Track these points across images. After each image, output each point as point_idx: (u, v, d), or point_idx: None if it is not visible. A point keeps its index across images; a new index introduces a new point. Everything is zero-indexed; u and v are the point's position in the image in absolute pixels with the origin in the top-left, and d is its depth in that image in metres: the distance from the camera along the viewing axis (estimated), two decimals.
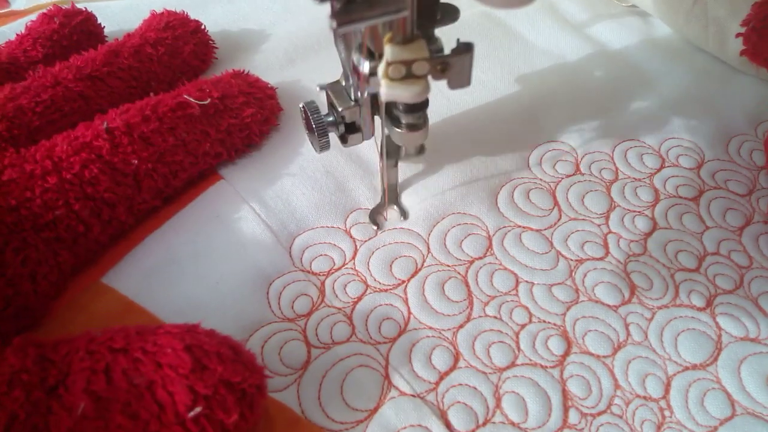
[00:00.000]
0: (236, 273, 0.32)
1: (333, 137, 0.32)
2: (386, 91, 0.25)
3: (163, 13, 0.41)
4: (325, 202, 0.35)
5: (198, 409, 0.21)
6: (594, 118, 0.40)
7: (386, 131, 0.32)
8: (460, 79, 0.27)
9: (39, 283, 0.29)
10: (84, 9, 0.42)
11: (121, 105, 0.33)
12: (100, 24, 0.43)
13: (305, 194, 0.35)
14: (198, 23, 0.42)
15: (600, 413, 0.27)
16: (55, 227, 0.29)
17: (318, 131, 0.31)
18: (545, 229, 0.34)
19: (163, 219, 0.34)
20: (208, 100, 0.34)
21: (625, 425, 0.27)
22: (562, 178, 0.36)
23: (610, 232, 0.34)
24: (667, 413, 0.27)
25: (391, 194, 0.34)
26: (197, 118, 0.34)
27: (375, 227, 0.34)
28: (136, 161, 0.31)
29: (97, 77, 0.36)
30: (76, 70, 0.35)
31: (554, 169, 0.37)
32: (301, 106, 0.32)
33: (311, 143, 0.33)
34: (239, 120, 0.36)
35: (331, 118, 0.32)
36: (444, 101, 0.41)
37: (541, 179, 0.36)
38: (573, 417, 0.27)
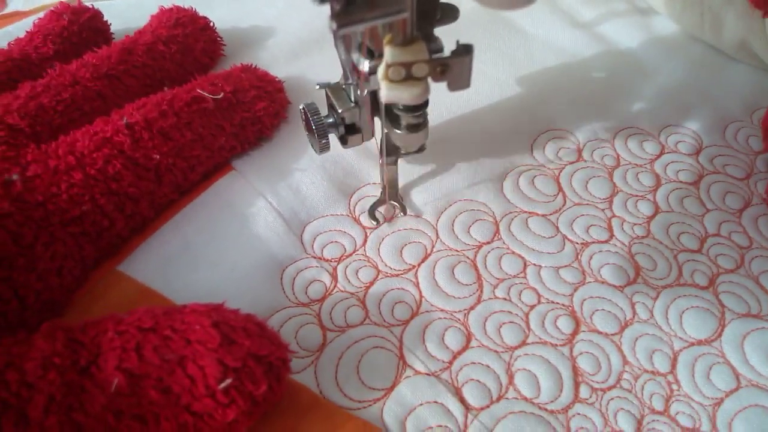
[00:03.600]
0: (250, 260, 0.32)
1: (333, 138, 0.33)
2: (386, 92, 0.25)
3: (172, 9, 0.42)
4: (335, 191, 0.36)
5: (228, 381, 0.22)
6: (594, 106, 0.41)
7: (385, 130, 0.32)
8: (460, 81, 0.27)
9: (65, 276, 0.29)
10: (91, 6, 0.42)
11: (136, 100, 0.34)
12: (106, 21, 0.43)
13: (314, 183, 0.36)
14: (207, 20, 0.43)
15: (610, 388, 0.28)
16: (82, 222, 0.29)
17: (318, 132, 0.31)
18: (551, 214, 0.35)
19: (177, 209, 0.34)
20: (221, 94, 0.35)
21: (634, 399, 0.27)
22: (566, 165, 0.37)
23: (614, 216, 0.34)
24: (674, 387, 0.28)
25: (392, 190, 0.35)
26: (212, 112, 0.34)
27: (374, 223, 0.34)
28: (157, 156, 0.32)
29: (113, 76, 0.36)
30: (93, 69, 0.35)
31: (557, 156, 0.38)
32: (301, 107, 0.32)
33: (311, 144, 0.33)
34: (252, 113, 0.36)
35: (331, 120, 0.32)
36: (446, 93, 0.41)
37: (545, 166, 0.37)
38: (584, 392, 0.28)
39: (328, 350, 0.29)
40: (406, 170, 0.37)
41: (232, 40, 0.46)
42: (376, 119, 0.32)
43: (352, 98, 0.31)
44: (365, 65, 0.27)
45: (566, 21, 0.48)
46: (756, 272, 0.32)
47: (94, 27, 0.42)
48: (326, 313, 0.31)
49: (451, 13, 0.30)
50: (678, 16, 0.45)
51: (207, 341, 0.23)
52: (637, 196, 0.35)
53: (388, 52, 0.24)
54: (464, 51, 0.26)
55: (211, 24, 0.43)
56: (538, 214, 0.35)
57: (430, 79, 0.26)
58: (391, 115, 0.31)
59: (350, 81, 0.31)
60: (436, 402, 0.27)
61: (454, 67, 0.26)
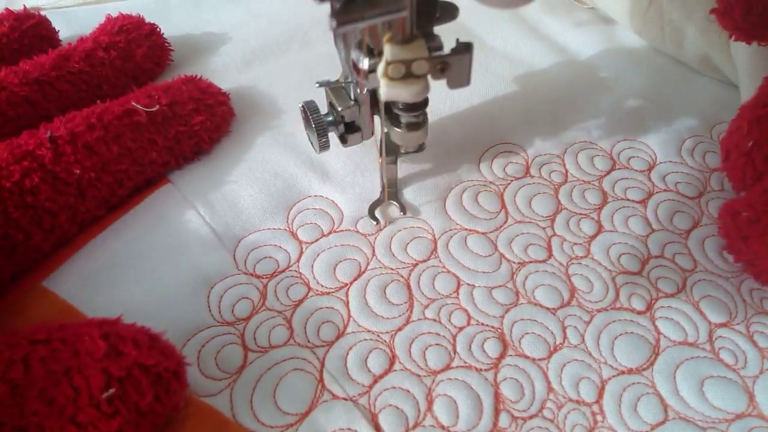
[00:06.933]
0: (177, 277, 0.32)
1: (333, 137, 0.33)
2: (386, 90, 0.25)
3: (118, 17, 0.41)
4: (273, 204, 0.35)
5: (111, 391, 0.22)
6: (548, 120, 0.40)
7: (385, 129, 0.32)
8: (460, 79, 0.27)
9: None
10: (36, 13, 0.42)
11: (68, 112, 0.33)
12: (54, 28, 0.43)
13: (252, 196, 0.35)
14: (153, 26, 0.42)
15: (531, 417, 0.27)
16: None
17: (318, 131, 0.31)
18: (491, 232, 0.34)
19: (108, 222, 0.34)
20: (156, 107, 0.34)
21: (555, 429, 0.26)
22: (512, 181, 0.36)
23: (554, 234, 0.33)
24: (599, 418, 0.27)
25: (391, 190, 0.34)
26: (144, 126, 0.34)
27: (374, 223, 0.34)
28: (78, 171, 0.31)
29: (45, 81, 0.36)
30: (22, 75, 0.35)
31: (504, 171, 0.37)
32: (300, 105, 0.32)
33: (311, 143, 0.33)
34: (188, 127, 0.36)
35: (330, 118, 0.32)
36: None
37: (491, 182, 0.36)
38: (503, 420, 0.27)
39: (246, 372, 0.28)
40: (350, 186, 0.36)
41: (185, 48, 0.45)
42: (376, 118, 0.32)
43: (352, 96, 0.31)
44: (365, 63, 0.27)
45: (527, 31, 0.46)
46: (697, 297, 0.31)
47: (38, 34, 0.41)
48: (250, 332, 0.30)
49: (450, 12, 0.30)
50: (639, 29, 0.44)
51: (94, 351, 0.23)
52: (580, 214, 0.34)
53: (388, 50, 0.24)
54: (464, 48, 0.26)
55: (158, 29, 0.43)
56: (477, 232, 0.34)
57: (429, 77, 0.26)
58: (390, 113, 0.31)
59: (350, 79, 0.31)
60: (349, 429, 0.26)
61: (454, 65, 0.26)
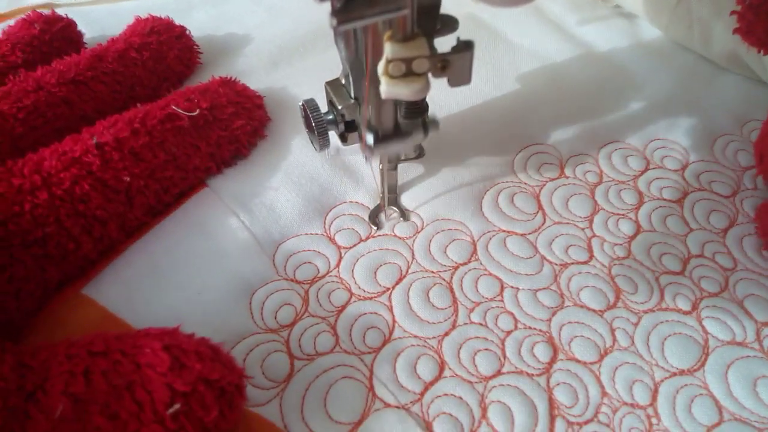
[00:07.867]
0: (218, 282, 0.31)
1: (333, 136, 0.33)
2: (386, 88, 0.25)
3: (147, 18, 0.41)
4: (310, 209, 0.34)
5: (177, 406, 0.22)
6: (579, 120, 0.39)
7: None
8: (461, 77, 0.27)
9: (23, 300, 0.28)
10: (65, 16, 0.41)
11: (108, 116, 0.33)
12: (80, 31, 0.42)
13: (290, 201, 0.35)
14: (183, 28, 0.42)
15: (587, 422, 0.27)
16: (45, 244, 0.28)
17: (318, 130, 0.31)
18: (529, 234, 0.33)
19: (147, 228, 0.33)
20: (197, 111, 0.34)
21: None
22: (547, 182, 0.36)
23: (594, 235, 0.33)
24: (654, 420, 0.27)
25: (391, 196, 0.34)
26: (186, 131, 0.33)
27: (374, 228, 0.34)
28: (128, 178, 0.31)
29: (80, 81, 0.35)
30: (59, 75, 0.34)
31: (539, 172, 0.36)
32: (300, 104, 0.31)
33: (311, 142, 0.33)
34: (229, 132, 0.35)
35: (330, 117, 0.32)
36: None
37: (525, 183, 0.36)
38: (560, 426, 0.26)
39: (295, 381, 0.28)
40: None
41: (210, 48, 0.45)
42: None
43: (352, 95, 0.31)
44: (370, 138, 0.27)
45: (553, 30, 0.46)
46: (741, 296, 0.31)
47: (66, 37, 0.41)
48: (295, 339, 0.29)
49: (450, 24, 0.30)
50: (665, 27, 0.44)
51: (156, 365, 0.22)
52: (618, 214, 0.34)
53: (388, 48, 0.24)
54: (465, 47, 0.26)
55: (188, 32, 0.42)
56: (516, 234, 0.33)
57: (430, 76, 0.26)
58: None
59: (350, 80, 0.30)
60: None
61: (455, 63, 0.26)
